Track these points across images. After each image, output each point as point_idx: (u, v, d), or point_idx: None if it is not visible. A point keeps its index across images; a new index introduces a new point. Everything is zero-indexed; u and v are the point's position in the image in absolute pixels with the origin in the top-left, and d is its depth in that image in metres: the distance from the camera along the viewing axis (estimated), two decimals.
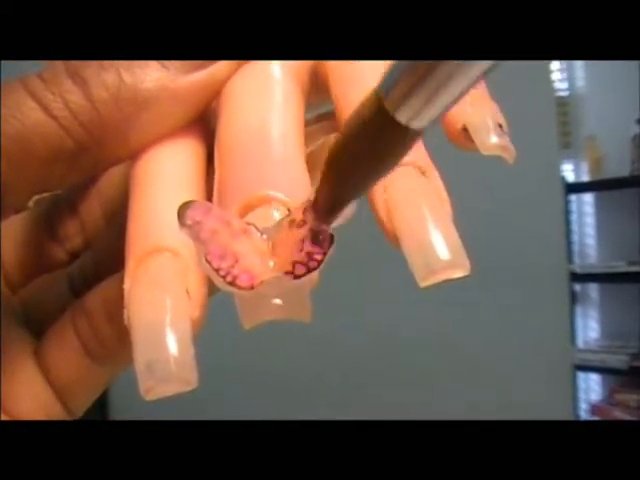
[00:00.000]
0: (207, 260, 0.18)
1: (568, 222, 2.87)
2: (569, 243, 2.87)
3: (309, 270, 0.18)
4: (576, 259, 3.01)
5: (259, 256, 0.18)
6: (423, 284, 0.19)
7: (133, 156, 0.22)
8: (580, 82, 3.03)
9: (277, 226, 0.19)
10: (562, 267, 1.25)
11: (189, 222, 0.18)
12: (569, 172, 3.04)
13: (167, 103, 0.21)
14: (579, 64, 3.02)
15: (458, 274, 0.19)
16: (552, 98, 1.27)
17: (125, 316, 0.19)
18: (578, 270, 2.85)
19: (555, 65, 2.88)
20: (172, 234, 0.19)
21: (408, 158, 0.20)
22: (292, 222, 0.19)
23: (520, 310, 1.06)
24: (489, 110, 0.23)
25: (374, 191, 0.20)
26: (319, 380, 1.17)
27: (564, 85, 3.03)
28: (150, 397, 0.17)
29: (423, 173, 0.20)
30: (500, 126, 0.23)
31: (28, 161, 0.20)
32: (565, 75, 3.04)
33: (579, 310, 3.02)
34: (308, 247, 0.18)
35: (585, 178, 3.01)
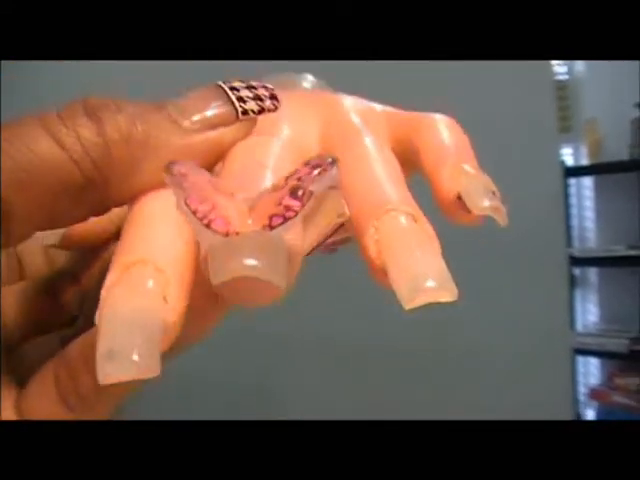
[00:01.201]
0: (186, 203, 0.18)
1: (567, 206, 2.87)
2: (568, 227, 2.87)
3: (285, 220, 0.18)
4: (575, 243, 3.01)
5: (238, 212, 0.19)
6: (408, 306, 0.20)
7: (134, 199, 0.22)
8: (579, 66, 3.03)
9: (260, 194, 0.19)
10: (561, 251, 1.25)
11: (175, 172, 0.19)
12: (568, 156, 3.03)
13: (175, 154, 0.21)
14: None
15: (444, 298, 0.20)
16: (551, 82, 1.27)
17: (97, 315, 0.19)
18: (577, 254, 2.85)
19: None
20: (159, 252, 0.20)
21: (399, 205, 0.22)
22: (275, 187, 0.19)
23: (519, 294, 1.06)
24: (482, 180, 0.25)
25: (364, 232, 0.22)
26: (317, 378, 1.17)
27: (563, 69, 3.02)
28: (106, 382, 0.17)
29: (414, 220, 0.22)
30: (493, 193, 0.24)
31: (36, 190, 0.20)
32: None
33: (578, 294, 3.03)
34: (286, 201, 0.19)
35: (584, 162, 3.01)
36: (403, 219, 0.21)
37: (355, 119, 0.27)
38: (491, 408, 0.86)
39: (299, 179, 0.19)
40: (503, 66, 1.05)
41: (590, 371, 2.99)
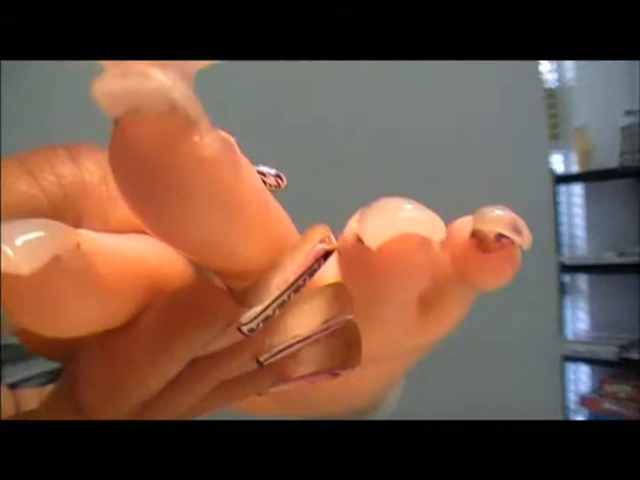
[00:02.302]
0: None
1: (557, 213, 2.88)
2: (558, 234, 2.88)
3: None
4: (565, 250, 3.02)
5: None
6: (375, 242, 0.17)
7: None
8: (569, 73, 3.04)
9: None
10: (551, 258, 1.25)
11: None
12: (558, 163, 3.05)
13: None
14: None
15: (424, 231, 0.17)
16: (541, 89, 1.27)
17: None
18: (567, 261, 2.86)
19: None
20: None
21: None
22: None
23: (509, 301, 1.06)
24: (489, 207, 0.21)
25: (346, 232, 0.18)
26: None
27: (553, 76, 3.04)
28: None
29: None
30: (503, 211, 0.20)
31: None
32: (554, 67, 3.05)
33: (568, 301, 3.04)
34: None
35: (574, 169, 3.03)
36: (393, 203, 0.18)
37: None
38: (480, 415, 0.86)
39: None
40: (493, 74, 1.05)
41: (580, 378, 3.00)
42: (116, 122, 0.14)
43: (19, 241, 0.13)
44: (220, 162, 0.15)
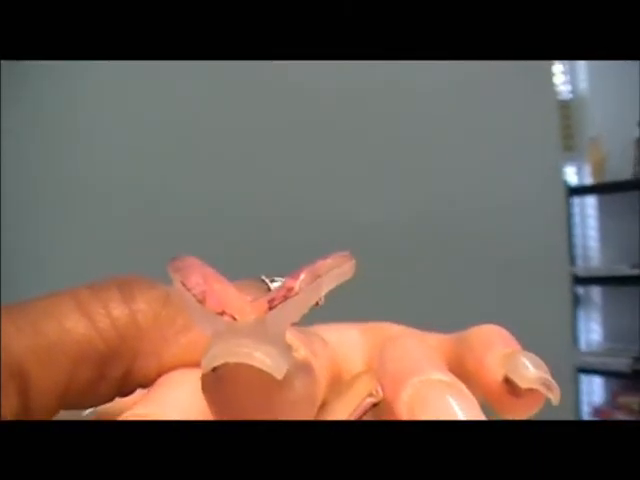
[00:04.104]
0: (182, 283, 0.18)
1: (571, 225, 2.87)
2: (571, 246, 2.87)
3: (285, 298, 0.17)
4: (579, 262, 3.01)
5: (237, 298, 0.18)
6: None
7: (158, 378, 0.22)
8: (583, 85, 3.03)
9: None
10: (565, 270, 1.25)
11: (178, 264, 0.18)
12: (572, 175, 3.04)
13: (206, 337, 0.20)
14: (582, 67, 3.02)
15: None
16: (554, 101, 1.27)
17: None
18: (581, 273, 2.85)
19: (558, 68, 2.88)
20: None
21: (434, 373, 0.21)
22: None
23: (522, 312, 1.06)
24: (528, 355, 0.24)
25: (396, 396, 0.20)
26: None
27: (567, 88, 3.03)
28: None
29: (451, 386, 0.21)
30: (541, 366, 0.24)
31: (59, 361, 0.20)
32: (568, 78, 3.04)
33: (582, 313, 3.02)
34: (287, 282, 0.18)
35: (588, 181, 3.01)
36: (438, 382, 0.20)
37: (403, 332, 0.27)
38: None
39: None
40: (507, 85, 1.05)
41: (594, 390, 2.98)
42: (214, 369, 0.18)
43: None
44: (304, 399, 0.19)
